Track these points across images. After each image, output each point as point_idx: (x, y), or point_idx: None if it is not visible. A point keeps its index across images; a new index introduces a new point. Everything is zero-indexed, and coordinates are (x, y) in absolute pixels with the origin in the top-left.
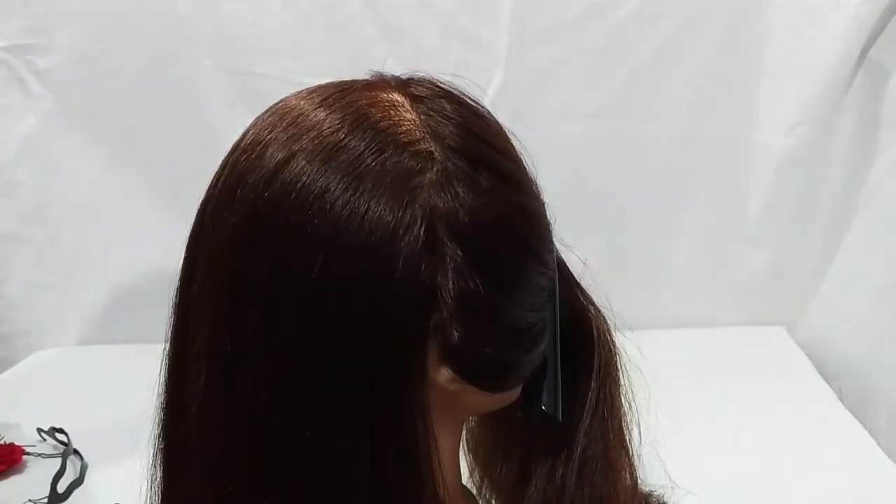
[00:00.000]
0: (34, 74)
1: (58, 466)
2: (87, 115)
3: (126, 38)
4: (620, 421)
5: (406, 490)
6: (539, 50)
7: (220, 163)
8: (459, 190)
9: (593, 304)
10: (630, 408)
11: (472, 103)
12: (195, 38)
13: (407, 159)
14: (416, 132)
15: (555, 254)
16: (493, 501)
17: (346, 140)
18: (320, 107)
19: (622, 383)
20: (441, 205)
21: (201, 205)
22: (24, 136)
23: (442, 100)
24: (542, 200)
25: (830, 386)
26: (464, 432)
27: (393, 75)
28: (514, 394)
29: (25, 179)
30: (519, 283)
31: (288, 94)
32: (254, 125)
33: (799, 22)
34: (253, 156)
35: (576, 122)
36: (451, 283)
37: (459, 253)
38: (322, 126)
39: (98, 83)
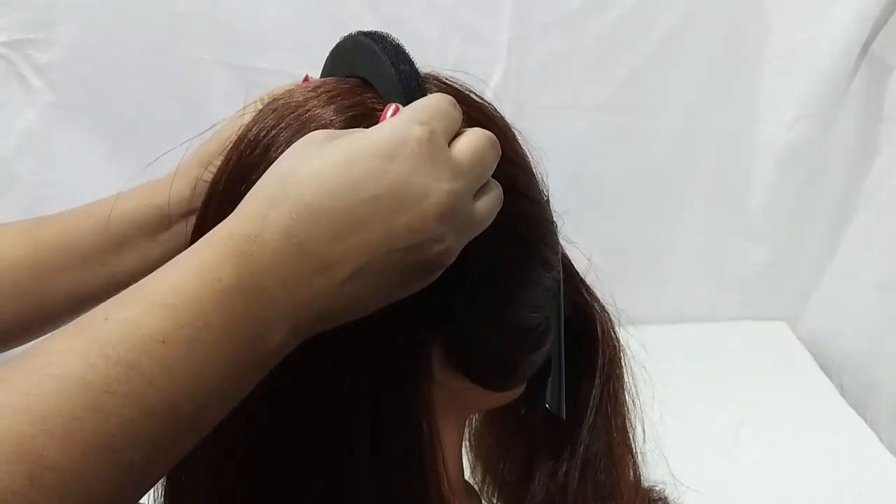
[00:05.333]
0: (34, 69)
1: None
2: (88, 109)
3: (126, 33)
4: (624, 417)
5: (410, 488)
6: (540, 44)
7: (223, 157)
8: None
9: (597, 300)
10: (633, 404)
11: (479, 101)
12: (195, 32)
13: None
14: None
15: (560, 254)
16: (496, 498)
17: None
18: (327, 104)
19: (626, 380)
20: None
21: (204, 199)
22: (24, 131)
23: None
24: (547, 202)
25: (832, 381)
26: (467, 429)
27: None
28: (517, 391)
29: (25, 174)
30: (523, 286)
31: (290, 88)
32: (257, 119)
33: (800, 16)
34: (257, 151)
35: (577, 116)
36: (457, 281)
37: (463, 255)
38: (329, 124)
39: (98, 78)
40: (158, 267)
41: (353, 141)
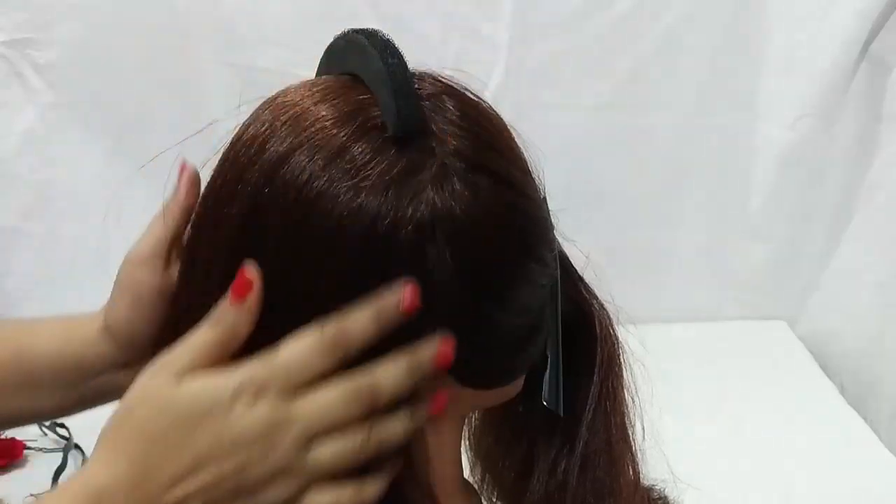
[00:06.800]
0: (34, 69)
1: (59, 461)
2: (88, 109)
3: (126, 32)
4: (623, 415)
5: (406, 484)
6: (540, 43)
7: (219, 157)
8: (459, 190)
9: (596, 298)
10: (632, 402)
11: (475, 99)
12: (195, 31)
13: (408, 158)
14: None
15: (556, 251)
16: (495, 497)
17: (346, 137)
18: (321, 102)
19: (624, 377)
20: (440, 204)
21: (201, 199)
22: (24, 131)
23: (445, 97)
24: (543, 200)
25: (832, 380)
26: (466, 427)
27: None
28: (515, 388)
29: (25, 174)
30: (518, 282)
31: (286, 87)
32: (253, 119)
33: (800, 15)
34: (253, 151)
35: (577, 115)
36: (448, 280)
37: (458, 251)
38: (322, 122)
39: (98, 77)
40: (75, 411)
41: (181, 400)
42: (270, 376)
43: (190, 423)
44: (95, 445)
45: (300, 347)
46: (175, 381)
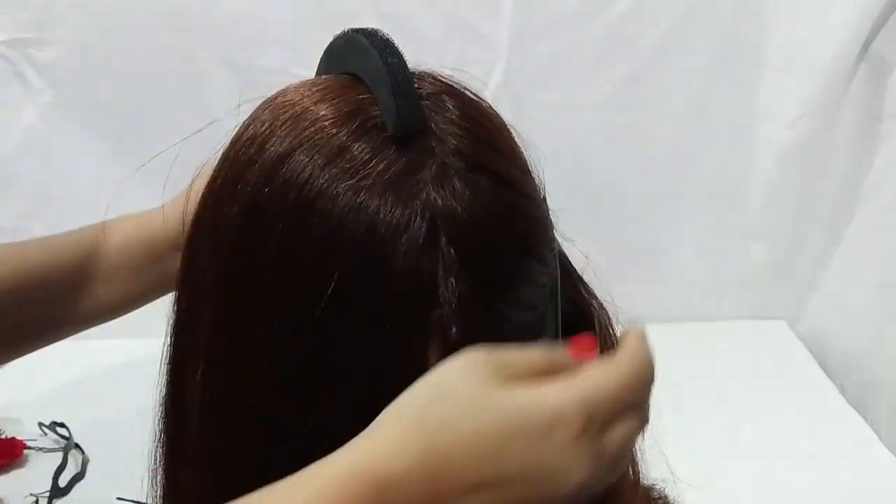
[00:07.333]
0: (34, 68)
1: (59, 461)
2: (88, 109)
3: (126, 32)
4: None
5: None
6: (540, 42)
7: (219, 157)
8: (459, 190)
9: (595, 297)
10: None
11: (475, 99)
12: (195, 31)
13: (408, 157)
14: None
15: (556, 251)
16: None
17: (346, 136)
18: (321, 102)
19: None
20: (441, 203)
21: (201, 199)
22: (24, 131)
23: (445, 96)
24: (542, 200)
25: (832, 380)
26: None
27: None
28: None
29: (25, 174)
30: (517, 282)
31: (286, 87)
32: (253, 119)
33: (800, 15)
34: (252, 150)
35: (577, 114)
36: (450, 279)
37: (458, 251)
38: (322, 121)
39: (98, 77)
40: (140, 301)
41: (518, 410)
42: (595, 410)
43: (508, 434)
44: (382, 421)
45: (618, 383)
46: (503, 384)
